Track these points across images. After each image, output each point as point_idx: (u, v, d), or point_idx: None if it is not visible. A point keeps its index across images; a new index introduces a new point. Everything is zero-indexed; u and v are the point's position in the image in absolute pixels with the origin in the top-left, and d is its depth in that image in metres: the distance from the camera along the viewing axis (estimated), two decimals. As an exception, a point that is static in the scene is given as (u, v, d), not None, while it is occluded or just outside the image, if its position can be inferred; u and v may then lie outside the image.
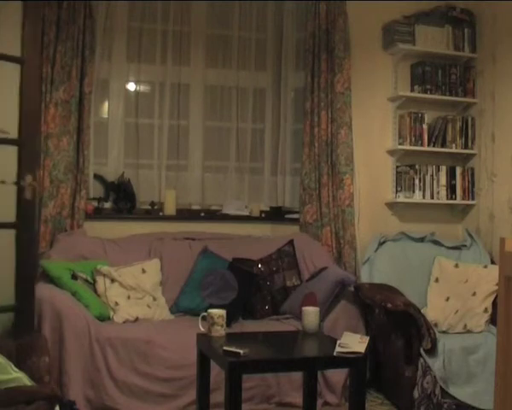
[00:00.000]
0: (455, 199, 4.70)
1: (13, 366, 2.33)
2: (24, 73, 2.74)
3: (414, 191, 4.63)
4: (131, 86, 4.46)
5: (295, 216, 4.53)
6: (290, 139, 4.61)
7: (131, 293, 3.75)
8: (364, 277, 4.27)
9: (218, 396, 3.05)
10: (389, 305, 3.62)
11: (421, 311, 3.69)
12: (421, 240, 4.49)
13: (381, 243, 4.41)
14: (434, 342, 3.55)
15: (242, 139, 4.60)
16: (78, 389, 3.26)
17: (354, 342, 2.70)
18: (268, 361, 2.74)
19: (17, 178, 2.76)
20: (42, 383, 2.48)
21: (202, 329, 2.95)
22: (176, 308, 3.92)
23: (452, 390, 3.56)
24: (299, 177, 4.48)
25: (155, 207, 4.40)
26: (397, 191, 4.63)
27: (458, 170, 4.71)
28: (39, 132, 3.02)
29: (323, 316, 3.62)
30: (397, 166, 4.64)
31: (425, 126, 4.63)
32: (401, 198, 4.61)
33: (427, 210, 4.74)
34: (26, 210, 2.79)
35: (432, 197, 4.66)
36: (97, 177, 4.31)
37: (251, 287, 3.96)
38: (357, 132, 4.53)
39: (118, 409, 3.29)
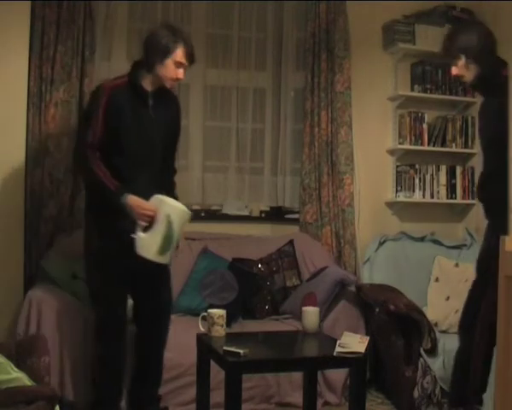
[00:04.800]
0: (455, 198, 4.69)
1: (13, 365, 2.33)
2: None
3: (414, 191, 4.63)
4: (131, 86, 4.45)
5: (295, 216, 4.53)
6: (290, 139, 4.60)
7: (131, 293, 3.75)
8: (364, 276, 4.27)
9: (218, 396, 3.04)
10: (391, 307, 3.62)
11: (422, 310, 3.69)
12: (422, 240, 4.49)
13: (381, 243, 4.41)
14: (434, 343, 3.55)
15: (242, 139, 4.59)
16: (79, 389, 3.26)
17: (354, 342, 2.70)
18: (268, 361, 2.74)
19: None
20: (42, 383, 2.48)
21: (202, 329, 2.95)
22: (176, 308, 3.92)
23: (452, 390, 3.56)
24: (299, 177, 4.48)
25: (155, 207, 4.39)
26: (397, 191, 4.62)
27: (458, 169, 4.71)
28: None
29: (323, 316, 3.62)
30: (397, 166, 4.64)
31: (425, 126, 4.63)
32: (401, 198, 4.61)
33: (427, 210, 4.74)
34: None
35: (432, 197, 4.66)
36: (97, 177, 4.30)
37: (251, 287, 3.96)
38: (358, 132, 4.53)
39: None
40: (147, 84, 3.09)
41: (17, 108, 3.93)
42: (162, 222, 2.91)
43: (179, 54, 3.04)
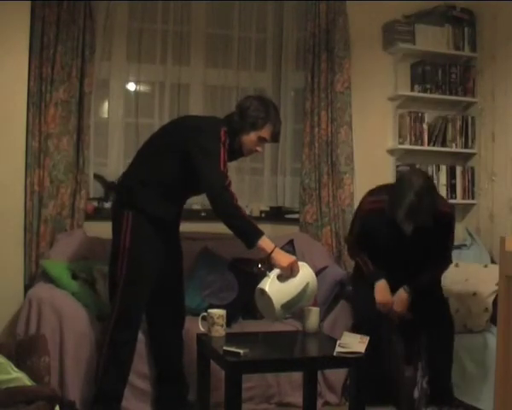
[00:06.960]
0: (455, 198, 4.69)
1: (13, 365, 2.33)
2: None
3: (414, 191, 4.62)
4: (131, 86, 4.46)
5: (295, 216, 4.53)
6: (290, 139, 4.60)
7: (131, 293, 3.74)
8: (364, 276, 4.25)
9: (218, 396, 3.05)
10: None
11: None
12: (422, 240, 4.48)
13: (381, 243, 4.39)
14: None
15: (242, 139, 4.59)
16: (79, 389, 3.26)
17: (354, 342, 2.70)
18: (268, 361, 2.74)
19: None
20: (42, 383, 2.48)
21: (202, 329, 2.95)
22: (176, 308, 3.92)
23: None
24: (299, 177, 4.48)
25: (155, 207, 4.38)
26: (397, 191, 4.61)
27: (458, 169, 4.71)
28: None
29: (323, 316, 3.62)
30: (397, 166, 4.64)
31: (425, 126, 4.62)
32: (401, 198, 4.60)
33: (428, 210, 4.73)
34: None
35: (432, 197, 4.65)
36: (97, 177, 4.31)
37: (251, 287, 3.95)
38: (358, 132, 4.53)
39: None
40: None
41: (17, 108, 3.93)
42: (300, 285, 2.89)
43: (265, 132, 3.13)
